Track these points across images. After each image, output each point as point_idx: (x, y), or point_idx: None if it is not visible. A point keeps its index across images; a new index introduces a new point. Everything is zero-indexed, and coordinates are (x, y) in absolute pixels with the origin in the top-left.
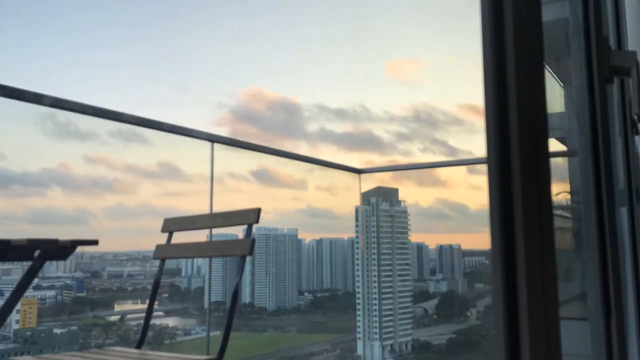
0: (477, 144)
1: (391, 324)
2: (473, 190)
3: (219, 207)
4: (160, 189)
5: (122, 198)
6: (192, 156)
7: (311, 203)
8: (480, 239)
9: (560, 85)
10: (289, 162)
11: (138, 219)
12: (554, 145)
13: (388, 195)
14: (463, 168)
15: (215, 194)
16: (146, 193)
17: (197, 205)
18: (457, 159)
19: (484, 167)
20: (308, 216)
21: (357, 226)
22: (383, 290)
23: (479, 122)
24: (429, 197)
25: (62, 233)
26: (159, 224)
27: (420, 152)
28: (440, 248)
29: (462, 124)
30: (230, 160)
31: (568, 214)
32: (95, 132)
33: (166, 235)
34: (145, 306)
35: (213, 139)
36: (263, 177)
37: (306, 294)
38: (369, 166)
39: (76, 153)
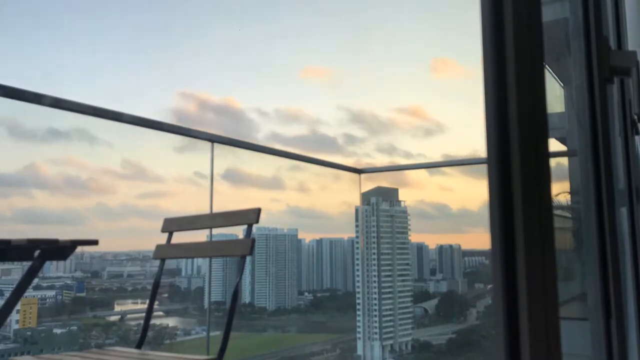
0: (427, 147)
1: (391, 324)
2: (444, 191)
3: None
4: (131, 189)
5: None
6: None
7: (290, 203)
8: (480, 239)
9: (560, 85)
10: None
11: (117, 219)
12: (554, 145)
13: (388, 195)
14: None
15: (192, 196)
16: (123, 193)
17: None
18: (457, 159)
19: (448, 170)
20: (289, 215)
21: (357, 226)
22: (383, 290)
23: (421, 125)
24: (406, 197)
25: (44, 232)
26: (138, 223)
27: (376, 153)
28: (440, 248)
29: (402, 127)
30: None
31: (568, 214)
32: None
33: (166, 235)
34: (145, 306)
35: (213, 138)
36: (233, 177)
37: (306, 294)
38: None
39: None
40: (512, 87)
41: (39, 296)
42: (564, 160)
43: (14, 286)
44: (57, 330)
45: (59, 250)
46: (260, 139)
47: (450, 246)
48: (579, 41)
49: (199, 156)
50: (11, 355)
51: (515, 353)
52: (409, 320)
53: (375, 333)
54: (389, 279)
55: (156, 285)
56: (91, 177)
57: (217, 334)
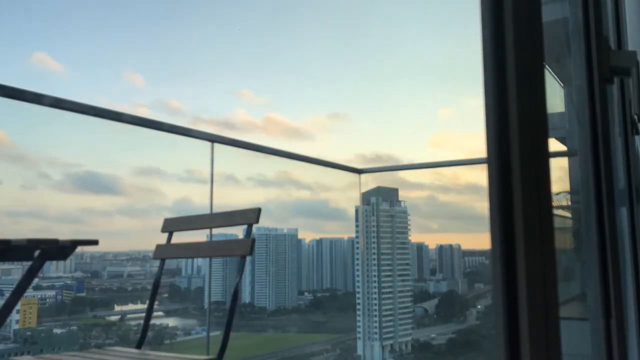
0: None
1: (391, 324)
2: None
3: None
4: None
5: None
6: None
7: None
8: (480, 239)
9: (560, 85)
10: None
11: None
12: (554, 145)
13: (388, 195)
14: None
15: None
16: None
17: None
18: (457, 159)
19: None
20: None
21: (357, 226)
22: (383, 290)
23: None
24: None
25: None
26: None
27: None
28: (440, 248)
29: None
30: None
31: (568, 214)
32: None
33: (166, 235)
34: (145, 306)
35: (213, 139)
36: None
37: (306, 294)
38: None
39: None
40: (512, 87)
41: (39, 296)
42: (564, 160)
43: (14, 286)
44: (57, 330)
45: (59, 250)
46: None
47: (450, 246)
48: (579, 41)
49: None
50: (11, 355)
51: (515, 353)
52: (409, 320)
53: (375, 333)
54: (389, 279)
55: (156, 285)
56: None
57: (217, 334)
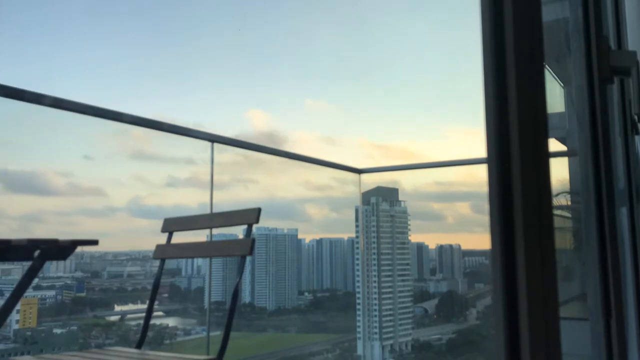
0: None
1: (391, 324)
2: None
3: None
4: None
5: None
6: None
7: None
8: (480, 239)
9: (560, 85)
10: None
11: None
12: (554, 145)
13: (388, 195)
14: None
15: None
16: None
17: None
18: (458, 159)
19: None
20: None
21: (357, 226)
22: (383, 290)
23: None
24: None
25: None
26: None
27: None
28: (440, 248)
29: None
30: None
31: (568, 214)
32: None
33: (166, 235)
34: (145, 306)
35: (213, 139)
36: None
37: (306, 294)
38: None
39: None
40: (512, 87)
41: (39, 296)
42: (564, 160)
43: (14, 286)
44: (57, 330)
45: (59, 250)
46: None
47: (450, 246)
48: (579, 41)
49: None
50: (11, 355)
51: (515, 353)
52: (409, 320)
53: (375, 333)
54: (389, 279)
55: (156, 285)
56: None
57: (217, 334)
